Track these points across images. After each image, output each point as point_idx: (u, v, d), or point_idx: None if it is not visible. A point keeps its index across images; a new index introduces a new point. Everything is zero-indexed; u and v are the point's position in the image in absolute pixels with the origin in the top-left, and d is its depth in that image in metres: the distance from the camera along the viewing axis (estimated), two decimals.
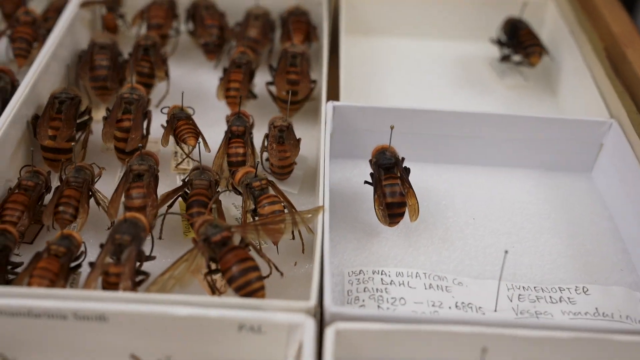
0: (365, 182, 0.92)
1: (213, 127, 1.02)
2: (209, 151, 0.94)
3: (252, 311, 0.70)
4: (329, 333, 0.69)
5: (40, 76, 0.98)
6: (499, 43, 1.22)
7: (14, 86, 0.99)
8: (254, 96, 1.08)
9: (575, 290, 0.85)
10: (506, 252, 0.79)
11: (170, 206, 0.87)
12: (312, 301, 0.71)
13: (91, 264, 0.77)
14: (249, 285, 0.75)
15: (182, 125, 0.94)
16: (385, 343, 0.71)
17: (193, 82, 1.16)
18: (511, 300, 0.84)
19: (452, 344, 0.70)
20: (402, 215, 0.88)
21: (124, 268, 0.75)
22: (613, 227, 0.95)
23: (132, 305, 0.70)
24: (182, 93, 0.97)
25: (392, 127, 0.90)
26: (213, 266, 0.78)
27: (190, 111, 0.97)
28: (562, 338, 0.69)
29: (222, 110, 1.05)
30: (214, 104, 1.09)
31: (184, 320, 0.70)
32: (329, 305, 0.71)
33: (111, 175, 0.96)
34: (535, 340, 0.69)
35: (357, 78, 1.19)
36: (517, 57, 1.22)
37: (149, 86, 1.06)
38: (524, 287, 0.85)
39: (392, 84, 1.20)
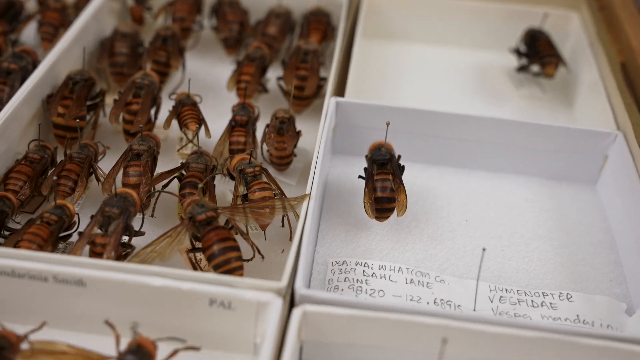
0: (360, 176, 0.93)
1: (223, 117, 1.05)
2: (209, 137, 0.97)
3: (223, 287, 0.72)
4: (295, 314, 0.71)
5: (60, 58, 1.03)
6: (517, 53, 1.22)
7: (35, 67, 1.03)
8: (266, 90, 1.11)
9: (559, 296, 0.85)
10: (484, 249, 0.79)
11: (165, 186, 0.90)
12: (283, 282, 0.73)
13: (81, 234, 0.80)
14: (228, 264, 0.77)
15: (186, 110, 0.97)
16: (351, 328, 0.72)
17: (211, 75, 1.19)
18: (492, 301, 0.84)
19: (414, 334, 0.71)
20: (390, 210, 0.88)
21: (109, 239, 0.78)
22: (610, 239, 0.94)
23: (109, 273, 0.73)
24: (189, 80, 1.00)
25: (387, 124, 0.91)
26: (197, 245, 0.81)
27: (197, 99, 1.00)
28: (524, 336, 0.69)
29: (235, 102, 1.08)
30: (228, 96, 1.11)
31: (158, 291, 0.72)
32: (299, 288, 0.73)
33: (118, 156, 0.99)
34: (496, 337, 0.69)
35: (371, 80, 1.20)
36: (535, 68, 1.22)
37: (164, 75, 1.10)
38: (506, 290, 0.85)
39: (407, 87, 1.21)
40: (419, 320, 0.70)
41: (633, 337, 0.71)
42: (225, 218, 0.82)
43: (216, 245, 0.77)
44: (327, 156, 0.98)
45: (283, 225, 0.90)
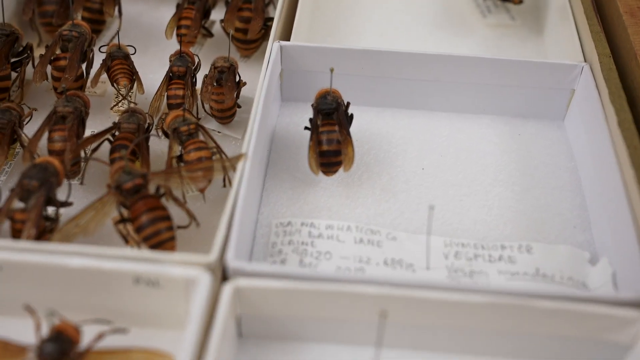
0: (306, 127, 0.86)
1: (167, 67, 0.97)
2: (142, 92, 0.90)
3: (148, 264, 0.67)
4: (226, 290, 0.66)
5: None
6: None
7: None
8: (210, 34, 1.03)
9: (518, 248, 0.79)
10: (432, 207, 0.74)
11: (94, 150, 0.84)
12: (212, 255, 0.68)
13: None
14: (158, 235, 0.72)
15: (115, 64, 0.90)
16: (287, 301, 0.67)
17: (154, 19, 1.11)
18: (446, 258, 0.78)
19: (355, 305, 0.66)
20: (337, 164, 0.83)
21: (29, 215, 0.72)
22: (575, 180, 0.88)
23: (25, 255, 0.68)
24: (118, 29, 0.93)
25: (332, 70, 0.84)
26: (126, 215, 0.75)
27: (130, 50, 0.93)
28: (469, 302, 0.65)
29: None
30: (172, 43, 1.04)
31: (77, 272, 0.67)
32: (230, 260, 0.68)
33: None
34: (439, 304, 0.64)
35: (324, 18, 1.11)
36: None
37: (100, 23, 1.02)
38: (462, 244, 0.80)
39: (366, 23, 1.12)
40: (356, 290, 0.65)
41: (585, 296, 0.67)
42: (158, 184, 0.76)
43: (144, 216, 0.72)
44: (272, 105, 0.91)
45: (225, 186, 0.85)
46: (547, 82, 0.93)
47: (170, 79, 0.90)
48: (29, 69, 0.95)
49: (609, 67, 0.88)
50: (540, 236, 0.82)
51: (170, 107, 0.89)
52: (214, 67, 0.91)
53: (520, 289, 0.67)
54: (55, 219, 0.75)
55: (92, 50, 0.94)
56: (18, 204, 0.75)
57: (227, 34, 1.00)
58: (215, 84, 0.89)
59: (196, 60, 0.94)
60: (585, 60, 0.93)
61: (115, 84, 0.90)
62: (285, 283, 0.66)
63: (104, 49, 0.93)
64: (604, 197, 0.82)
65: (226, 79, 0.89)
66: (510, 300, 0.65)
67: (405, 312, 0.65)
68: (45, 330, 0.65)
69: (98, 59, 0.94)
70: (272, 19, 0.99)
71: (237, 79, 0.92)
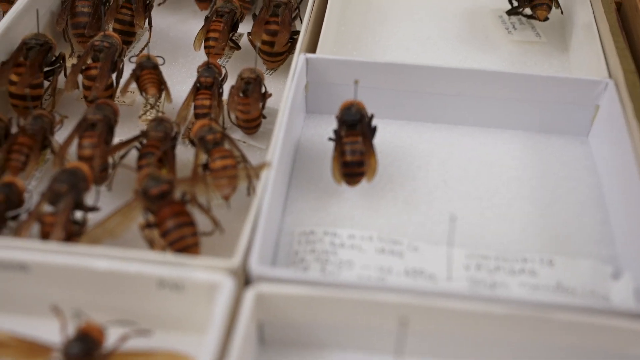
0: (329, 138, 0.88)
1: (195, 78, 0.99)
2: (170, 102, 0.92)
3: (173, 267, 0.68)
4: (248, 295, 0.67)
5: (16, 21, 0.97)
6: None
7: None
8: (237, 47, 1.05)
9: (540, 261, 0.80)
10: (453, 218, 0.74)
11: (123, 157, 0.86)
12: (236, 260, 0.69)
13: (30, 213, 0.76)
14: (182, 240, 0.73)
15: (145, 74, 0.91)
16: (309, 307, 0.68)
17: (182, 32, 1.13)
18: (468, 270, 0.79)
19: (376, 312, 0.67)
20: (360, 175, 0.83)
21: (58, 218, 0.74)
22: (598, 196, 0.88)
23: (52, 256, 0.69)
24: (148, 41, 0.95)
25: (356, 82, 0.85)
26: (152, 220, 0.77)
27: (159, 60, 0.94)
28: (490, 313, 0.65)
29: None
30: (200, 54, 1.05)
31: (104, 274, 0.68)
32: (253, 265, 0.69)
33: None
34: (458, 314, 0.65)
35: (350, 30, 1.13)
36: (527, 10, 1.14)
37: (130, 35, 1.04)
38: (484, 256, 0.80)
39: (391, 36, 1.13)
40: (378, 298, 0.66)
41: (606, 309, 0.66)
42: (183, 191, 0.78)
43: (170, 221, 0.73)
44: (297, 117, 0.93)
45: (249, 194, 0.86)
46: (572, 97, 0.94)
47: (197, 89, 0.92)
48: (61, 78, 0.97)
49: (634, 83, 0.88)
50: (562, 250, 0.82)
51: (197, 116, 0.91)
52: (240, 78, 0.92)
53: (541, 300, 0.67)
54: (82, 223, 0.77)
55: (122, 61, 0.96)
56: (47, 208, 0.76)
57: (254, 46, 1.02)
58: (241, 94, 0.91)
59: (223, 71, 0.95)
60: (610, 77, 0.93)
61: (144, 93, 0.92)
62: (308, 289, 0.67)
63: (133, 59, 0.95)
64: (627, 213, 0.82)
65: (252, 90, 0.91)
66: (530, 311, 0.65)
67: (426, 320, 0.66)
68: (70, 331, 0.66)
69: (127, 69, 0.96)
70: (298, 33, 1.01)
71: (263, 90, 0.93)
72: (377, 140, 0.87)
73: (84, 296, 0.70)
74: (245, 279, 0.70)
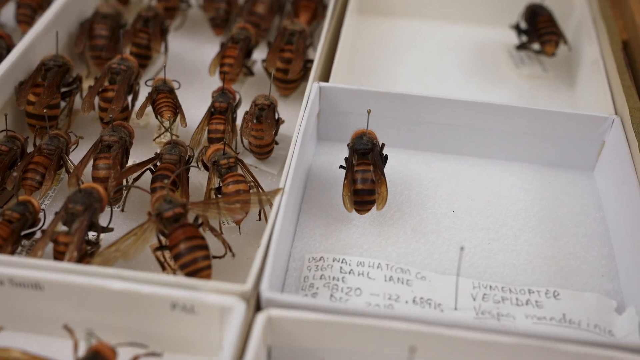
0: (341, 166, 0.89)
1: (209, 102, 1.01)
2: (185, 126, 0.93)
3: (186, 290, 0.69)
4: (259, 319, 0.68)
5: (35, 42, 0.99)
6: (517, 29, 1.17)
7: (9, 51, 1.00)
8: (251, 73, 1.07)
9: (545, 293, 0.81)
10: (462, 248, 0.75)
11: (137, 179, 0.87)
12: (248, 285, 0.70)
13: (44, 232, 0.77)
14: (194, 264, 0.74)
15: (161, 98, 0.93)
16: (319, 333, 0.69)
17: (198, 57, 1.15)
18: (474, 300, 0.80)
19: (384, 339, 0.68)
20: (370, 203, 0.85)
21: (72, 238, 0.75)
22: (604, 230, 0.89)
23: (67, 276, 0.70)
24: (165, 65, 0.96)
25: (369, 111, 0.87)
26: (165, 242, 0.78)
27: (174, 85, 0.96)
28: (498, 342, 0.66)
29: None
30: (215, 79, 1.07)
31: (117, 294, 0.69)
32: (264, 290, 0.70)
33: None
34: (467, 342, 0.66)
35: (362, 60, 1.15)
36: (536, 46, 1.16)
37: (146, 58, 1.06)
38: (490, 287, 0.81)
39: (402, 67, 1.16)
40: (386, 325, 0.67)
41: (610, 342, 0.67)
42: (196, 214, 0.79)
43: (183, 244, 0.74)
44: (309, 144, 0.94)
45: (260, 219, 0.87)
46: (578, 133, 0.95)
47: (212, 114, 0.94)
48: (78, 99, 0.99)
49: None
50: (567, 283, 0.83)
51: (211, 140, 0.92)
52: (254, 104, 0.94)
53: (546, 332, 0.68)
54: (96, 244, 0.78)
55: (138, 84, 0.98)
56: (61, 227, 0.78)
57: (269, 73, 1.04)
58: (255, 120, 0.92)
59: (237, 97, 0.97)
60: (616, 113, 0.95)
61: (159, 116, 0.93)
62: (317, 315, 0.68)
63: (149, 83, 0.96)
64: (631, 248, 0.83)
65: (266, 116, 0.92)
66: (536, 342, 0.66)
67: (433, 349, 0.67)
68: (82, 351, 0.67)
69: (143, 92, 0.98)
70: (311, 61, 1.03)
71: (277, 116, 0.95)
72: (387, 169, 0.88)
73: (96, 316, 0.71)
74: (255, 304, 0.71)
